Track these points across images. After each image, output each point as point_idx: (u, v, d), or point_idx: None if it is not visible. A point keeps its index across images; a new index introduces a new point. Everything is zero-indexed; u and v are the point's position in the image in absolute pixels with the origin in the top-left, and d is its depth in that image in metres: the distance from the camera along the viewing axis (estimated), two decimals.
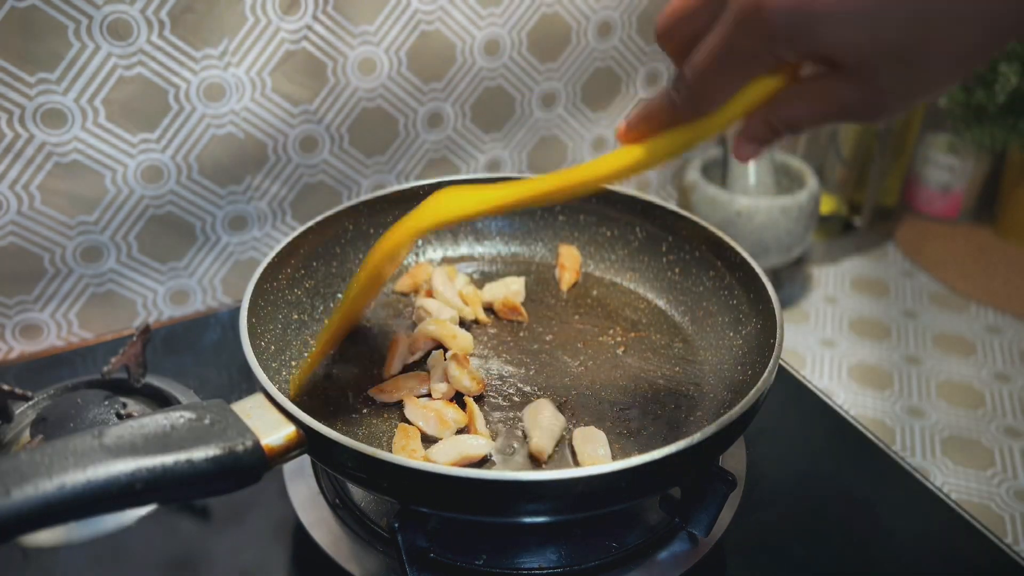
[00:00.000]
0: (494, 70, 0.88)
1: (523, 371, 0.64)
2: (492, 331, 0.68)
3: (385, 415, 0.59)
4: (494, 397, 0.61)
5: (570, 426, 0.58)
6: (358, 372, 0.64)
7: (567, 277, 0.73)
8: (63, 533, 0.60)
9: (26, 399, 0.66)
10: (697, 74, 0.42)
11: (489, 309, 0.70)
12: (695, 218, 0.70)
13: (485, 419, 0.59)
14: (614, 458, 0.55)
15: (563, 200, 0.53)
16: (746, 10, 0.39)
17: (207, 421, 0.46)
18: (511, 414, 0.59)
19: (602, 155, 0.52)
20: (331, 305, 0.69)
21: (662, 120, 0.46)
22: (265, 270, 0.63)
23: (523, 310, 0.69)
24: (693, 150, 0.54)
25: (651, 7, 0.92)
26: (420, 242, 0.76)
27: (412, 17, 0.82)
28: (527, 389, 0.62)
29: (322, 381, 0.63)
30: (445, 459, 0.54)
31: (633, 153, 0.48)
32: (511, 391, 0.62)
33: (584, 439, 0.56)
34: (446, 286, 0.69)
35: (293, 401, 0.50)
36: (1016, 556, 0.59)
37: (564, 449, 0.57)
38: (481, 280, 0.74)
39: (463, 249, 0.77)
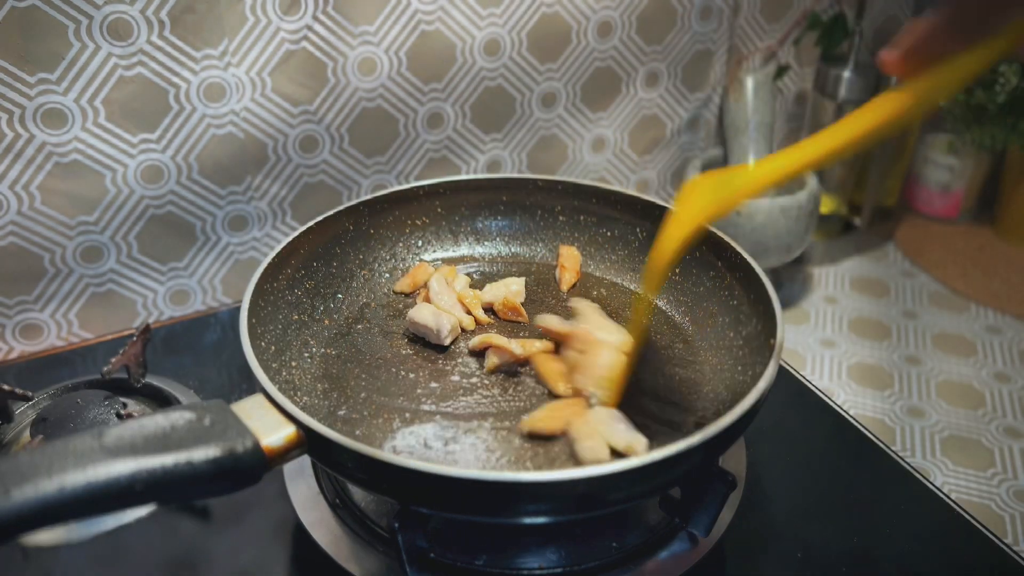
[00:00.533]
0: (494, 70, 0.88)
1: (523, 371, 0.64)
2: (492, 332, 0.68)
3: (385, 415, 0.59)
4: (498, 397, 0.61)
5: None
6: (359, 372, 0.64)
7: (567, 277, 0.73)
8: (63, 533, 0.60)
9: (26, 399, 0.66)
10: None
11: (489, 309, 0.70)
12: None
13: (492, 418, 0.59)
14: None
15: (846, 157, 0.49)
16: None
17: (207, 422, 0.46)
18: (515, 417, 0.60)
19: (871, 101, 0.46)
20: (331, 305, 0.69)
21: (933, 48, 0.42)
22: (265, 270, 0.63)
23: (523, 311, 0.69)
24: (953, 95, 0.50)
25: (651, 7, 0.92)
26: (419, 242, 0.76)
27: (412, 17, 0.82)
28: (528, 389, 0.62)
29: (322, 381, 0.63)
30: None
31: (905, 96, 0.43)
32: (512, 391, 0.62)
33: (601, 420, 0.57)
34: (443, 294, 0.68)
35: (294, 402, 0.50)
36: (1016, 556, 0.59)
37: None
38: (481, 280, 0.74)
39: (463, 250, 0.77)
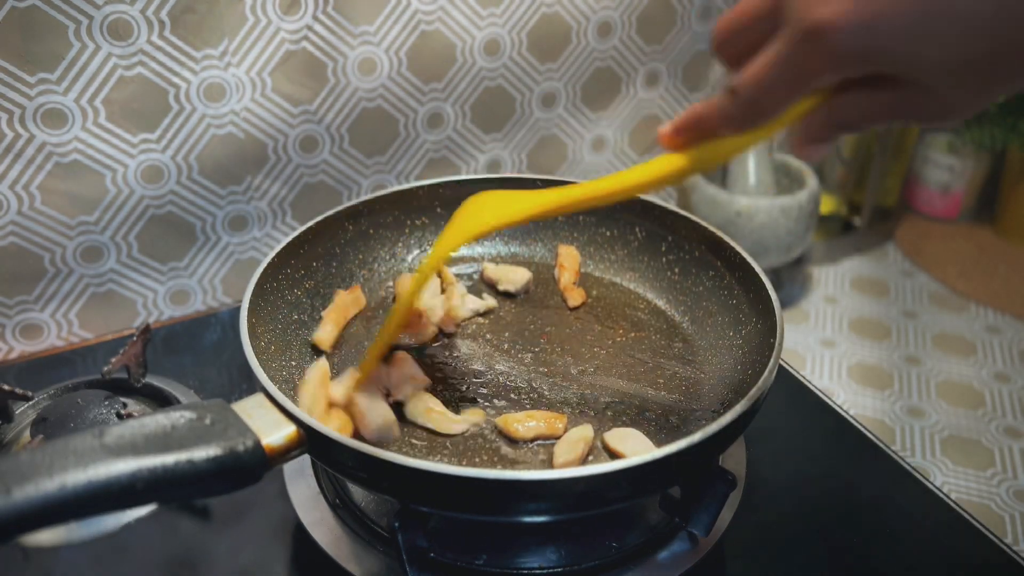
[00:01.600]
0: (494, 70, 0.88)
1: (523, 370, 0.64)
2: (492, 331, 0.68)
3: None
4: (498, 397, 0.61)
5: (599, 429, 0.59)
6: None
7: (567, 277, 0.73)
8: (63, 533, 0.60)
9: (26, 399, 0.66)
10: (754, 87, 0.42)
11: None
12: (695, 218, 0.70)
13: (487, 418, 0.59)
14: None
15: (601, 205, 0.52)
16: (809, 31, 0.38)
17: (208, 421, 0.46)
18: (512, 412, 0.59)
19: (644, 162, 0.52)
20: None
21: (711, 128, 0.46)
22: (265, 270, 0.63)
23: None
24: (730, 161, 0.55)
25: (651, 7, 0.92)
26: (419, 242, 0.76)
27: (412, 17, 0.82)
28: (528, 388, 0.62)
29: None
30: None
31: (679, 160, 0.48)
32: (511, 390, 0.62)
33: (620, 438, 0.57)
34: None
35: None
36: (1016, 556, 0.59)
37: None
38: (481, 281, 0.74)
39: (463, 250, 0.77)
